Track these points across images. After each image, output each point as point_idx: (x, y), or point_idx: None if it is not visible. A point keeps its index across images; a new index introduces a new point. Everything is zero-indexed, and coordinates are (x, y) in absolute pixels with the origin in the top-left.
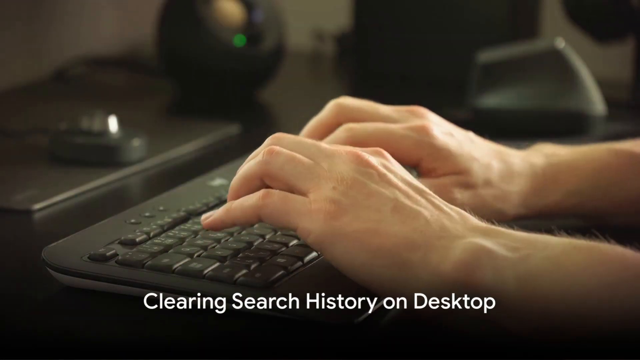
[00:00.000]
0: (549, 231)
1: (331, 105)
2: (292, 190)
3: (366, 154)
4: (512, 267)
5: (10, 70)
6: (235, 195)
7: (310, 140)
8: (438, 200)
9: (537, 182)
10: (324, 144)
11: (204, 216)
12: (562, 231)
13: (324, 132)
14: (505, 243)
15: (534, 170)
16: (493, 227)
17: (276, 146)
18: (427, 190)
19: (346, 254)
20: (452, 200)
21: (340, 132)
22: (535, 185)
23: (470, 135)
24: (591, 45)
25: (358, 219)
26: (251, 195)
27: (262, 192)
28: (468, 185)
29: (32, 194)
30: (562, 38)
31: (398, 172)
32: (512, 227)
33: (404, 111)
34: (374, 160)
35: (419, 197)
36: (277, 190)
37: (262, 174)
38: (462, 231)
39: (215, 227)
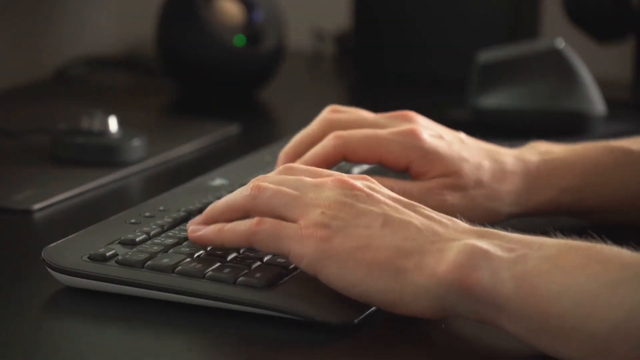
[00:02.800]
0: (544, 232)
1: (319, 120)
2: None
3: (350, 178)
4: (509, 268)
5: (10, 70)
6: (212, 220)
7: (294, 177)
8: (428, 210)
9: (530, 180)
10: (307, 178)
11: (191, 227)
12: (557, 232)
13: (311, 146)
14: (500, 244)
15: (527, 167)
16: (486, 229)
17: (262, 182)
18: (416, 203)
19: (341, 273)
20: (443, 202)
21: (329, 140)
22: (529, 183)
23: (461, 135)
24: (591, 45)
25: (349, 238)
26: (244, 221)
27: (255, 219)
28: (459, 187)
29: (32, 194)
30: (562, 38)
31: (384, 191)
32: (506, 229)
33: (392, 117)
34: (358, 183)
35: (407, 210)
36: (270, 218)
37: (249, 208)
38: (455, 234)
39: (200, 243)
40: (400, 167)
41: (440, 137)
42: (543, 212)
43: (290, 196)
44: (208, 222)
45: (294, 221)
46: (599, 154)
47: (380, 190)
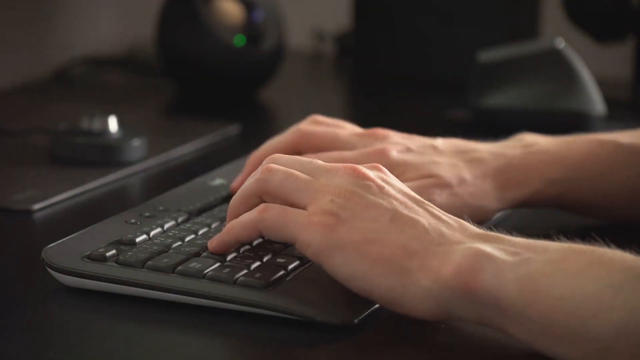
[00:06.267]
0: (547, 236)
1: (292, 131)
2: (290, 205)
3: (363, 167)
4: (513, 271)
5: (10, 70)
6: (234, 214)
7: (306, 158)
8: (436, 210)
9: (512, 174)
10: (320, 161)
11: (209, 242)
12: (561, 235)
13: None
14: (504, 248)
15: (508, 161)
16: (492, 233)
17: (273, 164)
18: (425, 200)
19: (345, 264)
20: (431, 202)
21: None
22: (511, 177)
23: (436, 142)
24: (591, 45)
25: (356, 229)
26: (250, 211)
27: (261, 206)
28: (443, 186)
29: (32, 194)
30: (562, 38)
31: (395, 184)
32: (510, 233)
33: (365, 135)
34: (371, 173)
35: (417, 207)
36: (276, 204)
37: (260, 192)
38: (460, 237)
39: (220, 250)
40: None
41: (410, 150)
42: (529, 205)
43: (301, 180)
44: (231, 218)
45: (303, 207)
46: (588, 146)
47: (391, 182)
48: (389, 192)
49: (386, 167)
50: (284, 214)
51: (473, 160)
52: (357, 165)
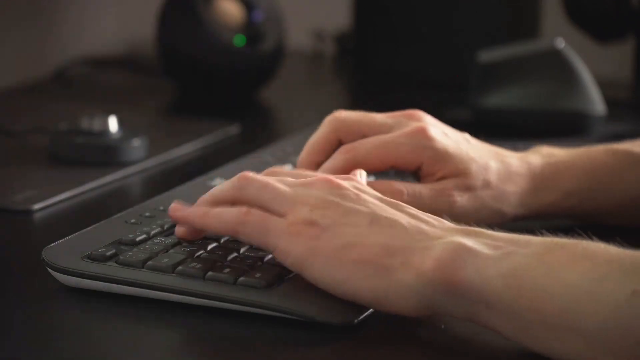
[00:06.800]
0: (530, 231)
1: (327, 121)
2: (267, 212)
3: (337, 178)
4: (495, 265)
5: (10, 70)
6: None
7: (281, 171)
8: (414, 210)
9: (535, 182)
10: (291, 179)
11: (173, 205)
12: (544, 231)
13: (323, 149)
14: (486, 242)
15: (531, 170)
16: (473, 227)
17: (249, 172)
18: (401, 203)
19: (326, 271)
20: (452, 204)
21: (339, 154)
22: (533, 186)
23: (466, 136)
24: (591, 45)
25: (336, 236)
26: (232, 209)
27: (244, 209)
28: (468, 188)
29: (32, 194)
30: (562, 38)
31: (369, 191)
32: (492, 228)
33: (399, 116)
34: (345, 183)
35: (394, 210)
36: (258, 210)
37: (236, 200)
38: (440, 233)
39: (180, 222)
40: (412, 168)
41: (448, 135)
42: (547, 215)
43: (279, 190)
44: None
45: (281, 215)
46: (602, 156)
47: (366, 190)
48: (365, 198)
49: (429, 150)
50: (265, 220)
51: (502, 163)
52: (330, 177)
